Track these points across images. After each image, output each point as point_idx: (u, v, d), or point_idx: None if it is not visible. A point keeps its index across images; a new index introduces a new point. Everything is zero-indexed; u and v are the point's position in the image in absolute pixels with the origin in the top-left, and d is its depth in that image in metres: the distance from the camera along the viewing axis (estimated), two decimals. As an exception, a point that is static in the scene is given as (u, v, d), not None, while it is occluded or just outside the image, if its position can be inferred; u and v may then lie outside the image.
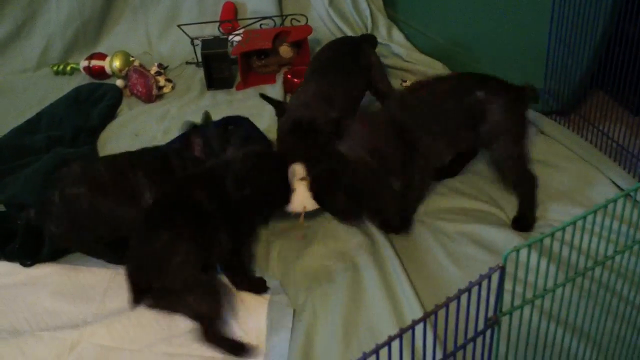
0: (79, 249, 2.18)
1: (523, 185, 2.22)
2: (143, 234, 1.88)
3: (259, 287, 2.04)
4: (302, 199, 2.13)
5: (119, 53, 3.30)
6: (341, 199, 2.10)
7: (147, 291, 1.83)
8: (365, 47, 2.72)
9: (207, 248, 1.91)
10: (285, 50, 3.20)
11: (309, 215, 2.20)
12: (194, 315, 1.85)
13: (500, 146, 2.18)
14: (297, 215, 2.15)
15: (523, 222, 2.19)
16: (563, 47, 2.43)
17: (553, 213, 2.19)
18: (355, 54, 2.65)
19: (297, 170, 2.11)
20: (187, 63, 3.41)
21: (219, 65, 3.18)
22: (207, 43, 3.23)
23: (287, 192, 2.11)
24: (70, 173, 2.10)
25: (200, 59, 3.29)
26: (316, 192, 2.11)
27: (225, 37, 3.33)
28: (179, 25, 3.39)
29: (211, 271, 2.01)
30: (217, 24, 3.43)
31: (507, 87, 2.18)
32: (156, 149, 2.26)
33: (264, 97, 2.40)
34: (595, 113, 2.45)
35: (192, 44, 3.35)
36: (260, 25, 3.41)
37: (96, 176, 2.07)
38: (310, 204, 2.13)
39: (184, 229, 1.87)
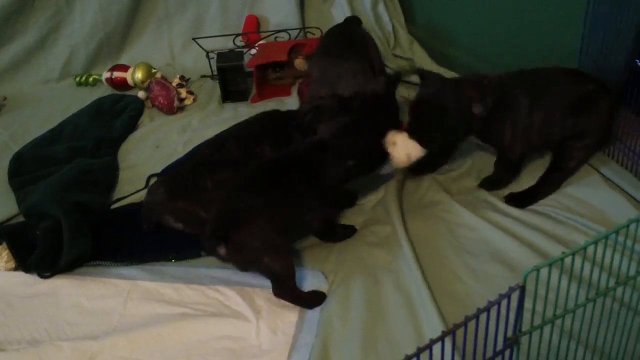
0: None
1: (558, 173, 2.35)
2: (239, 190, 2.01)
3: (349, 233, 2.24)
4: (405, 149, 2.21)
5: (142, 65, 3.33)
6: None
7: (224, 240, 1.93)
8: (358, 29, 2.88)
9: (295, 217, 2.05)
10: (300, 63, 3.21)
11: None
12: (268, 273, 1.98)
13: (589, 146, 2.33)
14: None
15: (524, 198, 2.32)
16: (592, 65, 2.41)
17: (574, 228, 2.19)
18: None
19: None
20: (203, 76, 3.43)
21: (234, 78, 3.20)
22: (222, 56, 3.24)
23: (383, 154, 2.22)
24: (213, 160, 2.27)
25: (215, 72, 3.31)
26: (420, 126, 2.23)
27: (240, 50, 3.34)
28: (194, 39, 3.42)
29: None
30: (236, 36, 3.44)
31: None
32: (281, 121, 2.42)
33: None
34: (622, 131, 2.42)
35: (208, 57, 3.36)
36: (275, 38, 3.43)
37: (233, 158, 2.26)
38: (415, 152, 2.21)
39: (276, 196, 1.99)
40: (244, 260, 1.98)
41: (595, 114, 2.29)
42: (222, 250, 1.94)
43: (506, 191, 2.36)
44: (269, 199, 1.98)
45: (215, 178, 2.22)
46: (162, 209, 2.25)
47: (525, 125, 2.27)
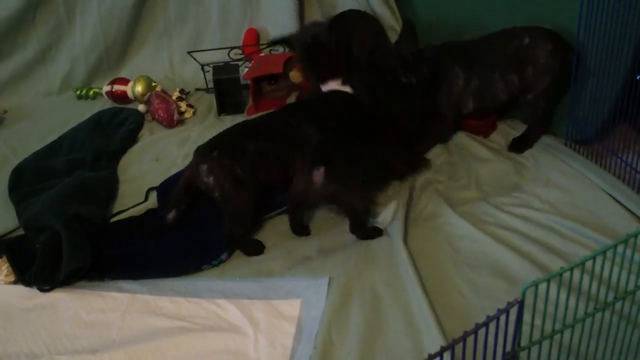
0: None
1: (537, 122, 2.63)
2: (344, 133, 2.29)
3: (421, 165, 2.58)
4: None
5: (142, 78, 3.33)
6: None
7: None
8: None
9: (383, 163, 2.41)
10: (295, 75, 3.21)
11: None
12: (348, 210, 2.25)
13: (544, 91, 2.53)
14: None
15: (520, 144, 2.64)
16: (590, 77, 2.42)
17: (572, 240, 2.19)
18: None
19: None
20: (197, 90, 3.44)
21: (230, 91, 3.20)
22: (218, 69, 3.24)
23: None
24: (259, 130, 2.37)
25: (209, 85, 3.31)
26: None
27: (235, 62, 3.35)
28: (189, 52, 3.43)
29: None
30: (234, 50, 3.44)
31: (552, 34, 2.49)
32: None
33: None
34: (618, 144, 2.43)
35: (203, 70, 3.37)
36: (270, 50, 3.44)
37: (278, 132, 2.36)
38: None
39: (374, 144, 2.34)
40: (334, 189, 2.16)
41: (533, 64, 2.48)
42: (319, 173, 2.13)
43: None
44: (369, 147, 2.29)
45: (257, 145, 2.27)
46: (199, 162, 2.27)
47: (461, 93, 2.54)
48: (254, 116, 2.62)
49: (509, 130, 2.82)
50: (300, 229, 2.35)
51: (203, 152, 2.27)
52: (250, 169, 2.25)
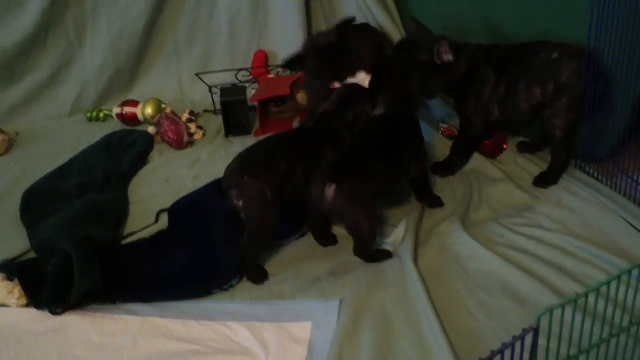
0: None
1: (560, 151, 2.55)
2: (359, 149, 2.30)
3: (437, 202, 2.53)
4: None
5: (151, 100, 3.34)
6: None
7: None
8: None
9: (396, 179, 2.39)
10: (302, 97, 3.22)
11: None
12: (356, 231, 2.24)
13: (560, 109, 2.47)
14: None
15: (546, 179, 2.57)
16: (600, 96, 2.41)
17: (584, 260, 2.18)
18: None
19: None
20: (205, 111, 3.45)
21: (237, 112, 3.21)
22: (226, 91, 3.26)
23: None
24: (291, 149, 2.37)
25: (217, 107, 3.33)
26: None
27: (243, 84, 3.36)
28: (197, 74, 3.44)
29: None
30: (241, 72, 3.45)
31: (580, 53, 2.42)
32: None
33: None
34: (629, 163, 2.42)
35: (211, 91, 3.39)
36: (277, 72, 3.45)
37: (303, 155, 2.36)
38: None
39: (388, 163, 2.31)
40: (344, 207, 2.18)
41: (555, 80, 2.45)
42: (331, 190, 2.15)
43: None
44: (383, 166, 2.28)
45: (290, 164, 2.29)
46: (229, 182, 2.29)
47: (489, 98, 2.54)
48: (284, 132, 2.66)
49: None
50: (327, 238, 2.40)
51: (233, 177, 2.28)
52: (279, 189, 2.25)
